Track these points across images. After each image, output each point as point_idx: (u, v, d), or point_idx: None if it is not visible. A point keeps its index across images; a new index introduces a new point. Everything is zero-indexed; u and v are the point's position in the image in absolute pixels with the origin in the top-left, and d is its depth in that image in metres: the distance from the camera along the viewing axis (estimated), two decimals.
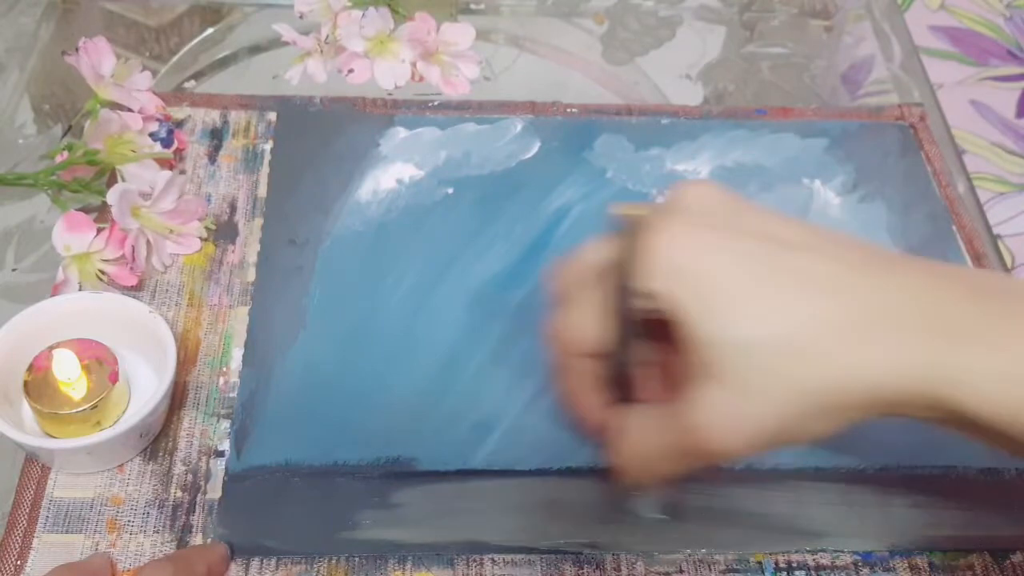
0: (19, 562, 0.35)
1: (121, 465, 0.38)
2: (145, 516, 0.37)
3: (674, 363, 0.30)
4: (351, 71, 0.51)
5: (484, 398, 0.40)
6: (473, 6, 0.60)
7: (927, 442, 0.40)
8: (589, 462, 0.39)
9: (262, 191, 0.47)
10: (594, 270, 0.31)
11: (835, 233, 0.29)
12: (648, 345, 0.31)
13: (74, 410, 0.36)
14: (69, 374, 0.37)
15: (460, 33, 0.52)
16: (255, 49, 0.57)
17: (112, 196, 0.41)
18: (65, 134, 0.50)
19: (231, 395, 0.40)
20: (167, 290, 0.43)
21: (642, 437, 0.30)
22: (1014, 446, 0.27)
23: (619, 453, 0.30)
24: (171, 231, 0.43)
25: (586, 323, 0.30)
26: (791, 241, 0.28)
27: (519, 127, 0.50)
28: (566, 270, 0.32)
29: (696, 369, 0.28)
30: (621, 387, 0.31)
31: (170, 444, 0.38)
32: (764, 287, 0.27)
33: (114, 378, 0.37)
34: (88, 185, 0.44)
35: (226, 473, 0.38)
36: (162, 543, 0.36)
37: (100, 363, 0.37)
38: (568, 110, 0.52)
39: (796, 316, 0.26)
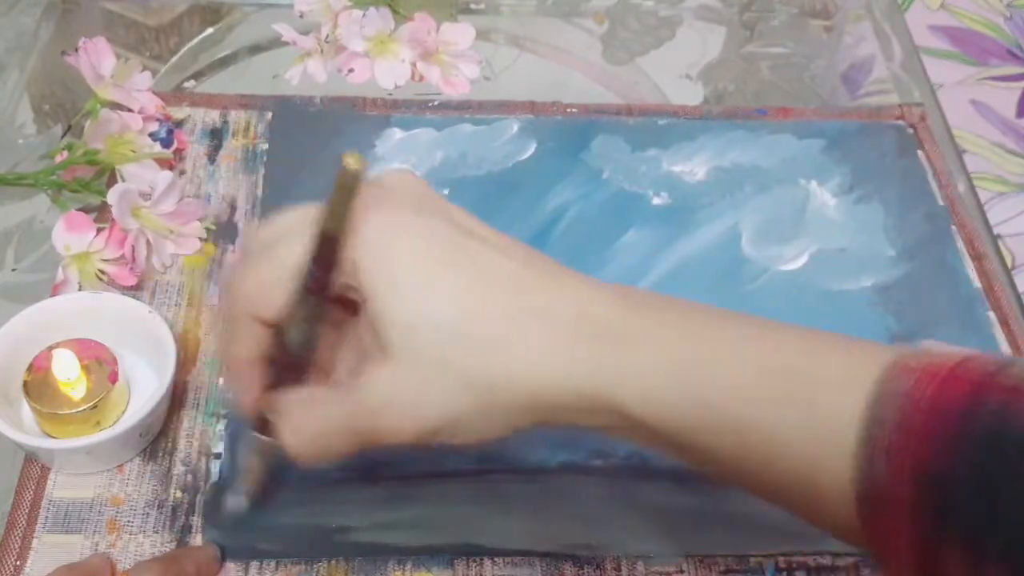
0: (19, 562, 0.35)
1: (121, 465, 0.38)
2: (145, 516, 0.37)
3: (349, 348, 0.29)
4: (351, 71, 0.51)
5: None
6: (473, 6, 0.60)
7: None
8: (584, 460, 0.39)
9: (263, 190, 0.47)
10: (295, 229, 0.28)
11: (515, 241, 0.29)
12: (330, 328, 0.29)
13: (74, 410, 0.36)
14: (69, 374, 0.37)
15: (460, 33, 0.52)
16: (255, 49, 0.57)
17: (112, 196, 0.41)
18: (65, 134, 0.50)
19: (231, 395, 0.40)
20: (167, 290, 0.43)
21: (312, 414, 0.29)
22: (679, 451, 0.27)
23: (285, 429, 0.29)
24: (171, 232, 0.44)
25: (270, 286, 0.28)
26: (481, 236, 0.28)
27: (516, 128, 0.50)
28: (270, 223, 0.30)
29: (375, 348, 0.27)
30: (291, 365, 0.29)
31: (170, 444, 0.39)
32: (448, 275, 0.27)
33: (114, 378, 0.37)
34: (88, 185, 0.44)
35: (219, 475, 0.38)
36: (162, 543, 0.36)
37: (100, 363, 0.37)
38: (568, 110, 0.52)
39: (473, 307, 0.27)
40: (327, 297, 0.28)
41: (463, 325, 0.26)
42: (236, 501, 0.36)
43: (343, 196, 0.26)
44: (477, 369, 0.26)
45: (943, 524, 0.23)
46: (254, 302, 0.29)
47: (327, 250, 0.27)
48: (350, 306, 0.29)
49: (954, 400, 0.23)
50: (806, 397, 0.25)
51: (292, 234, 0.28)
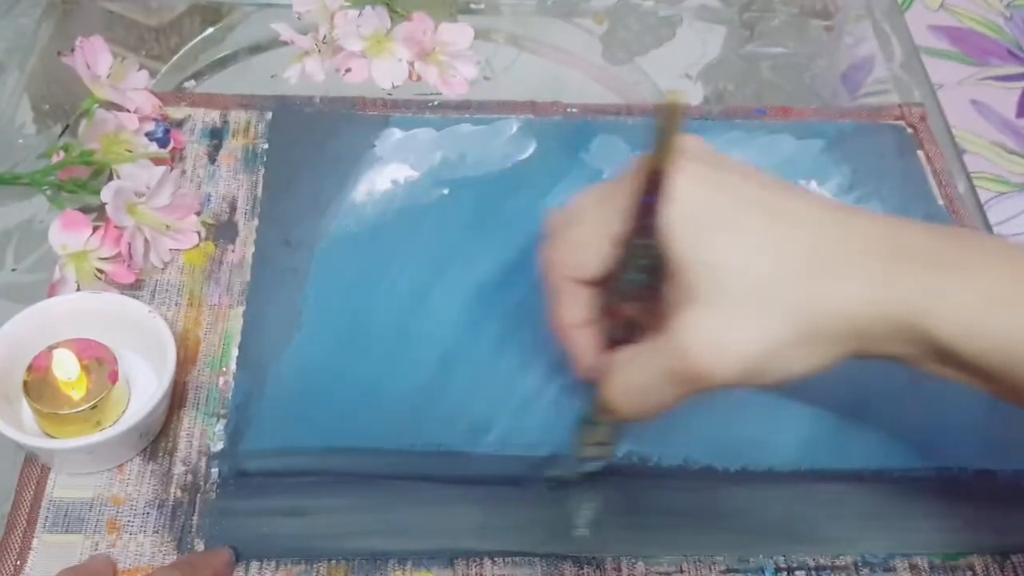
0: (19, 562, 0.35)
1: (121, 465, 0.38)
2: (145, 516, 0.37)
3: (663, 303, 0.30)
4: (348, 70, 0.51)
5: (480, 399, 0.40)
6: (473, 6, 0.60)
7: (922, 444, 0.40)
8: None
9: (262, 191, 0.47)
10: (605, 194, 0.31)
11: (806, 191, 0.31)
12: (646, 281, 0.30)
13: (74, 410, 0.36)
14: (69, 374, 0.37)
15: (458, 33, 0.52)
16: (255, 49, 0.57)
17: (107, 193, 0.41)
18: (62, 134, 0.50)
19: (231, 395, 0.40)
20: (167, 290, 0.43)
21: (633, 369, 0.30)
22: (991, 383, 0.28)
23: (611, 388, 0.30)
24: (168, 227, 0.44)
25: (588, 245, 0.30)
26: (769, 184, 0.30)
27: (515, 128, 0.50)
28: (576, 198, 0.32)
29: (684, 295, 0.28)
30: (617, 318, 0.31)
31: (170, 444, 0.39)
32: (748, 217, 0.28)
33: (114, 378, 0.37)
34: (84, 185, 0.44)
35: (218, 476, 0.38)
36: (162, 543, 0.36)
37: (100, 363, 0.37)
38: (568, 110, 0.52)
39: (777, 244, 0.28)
40: (652, 244, 0.29)
41: (769, 264, 0.27)
42: (593, 465, 0.36)
43: (668, 131, 0.28)
44: (789, 304, 0.27)
45: None
46: (573, 264, 0.31)
47: (654, 187, 0.28)
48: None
49: None
50: None
51: (599, 203, 0.30)
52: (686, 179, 0.28)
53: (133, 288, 0.43)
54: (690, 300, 0.28)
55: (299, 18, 0.51)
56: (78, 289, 0.41)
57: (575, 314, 0.32)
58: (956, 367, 0.28)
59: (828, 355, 0.28)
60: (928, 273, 0.27)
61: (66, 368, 0.37)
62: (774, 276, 0.27)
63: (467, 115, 0.51)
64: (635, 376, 0.30)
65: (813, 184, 0.49)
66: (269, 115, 0.50)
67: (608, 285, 0.31)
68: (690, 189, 0.28)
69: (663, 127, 0.28)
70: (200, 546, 0.36)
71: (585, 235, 0.31)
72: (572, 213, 0.32)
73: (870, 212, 0.30)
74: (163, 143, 0.46)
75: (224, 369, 0.41)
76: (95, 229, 0.41)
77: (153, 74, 0.48)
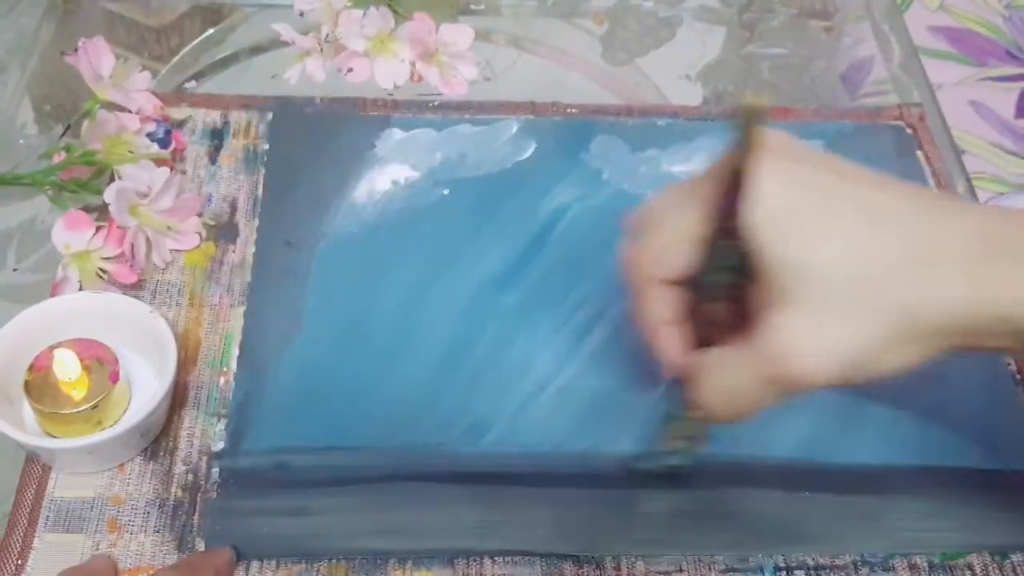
0: (20, 562, 0.36)
1: (122, 465, 0.38)
2: (146, 516, 0.37)
3: (750, 303, 0.30)
4: (350, 70, 0.51)
5: (479, 401, 0.40)
6: (473, 6, 0.60)
7: (922, 444, 0.40)
8: (583, 459, 0.39)
9: (263, 191, 0.47)
10: (687, 195, 0.31)
11: (896, 179, 0.30)
12: (731, 281, 0.30)
13: (75, 410, 0.36)
14: (70, 374, 0.37)
15: (459, 34, 0.52)
16: (256, 49, 0.57)
17: (109, 194, 0.41)
18: (63, 134, 0.50)
19: (232, 395, 0.40)
20: (168, 290, 0.43)
21: (725, 372, 0.30)
22: None
23: (703, 390, 0.31)
24: (169, 228, 0.44)
25: (671, 245, 0.30)
26: (858, 179, 0.29)
27: (515, 128, 0.50)
28: (654, 202, 0.32)
29: (774, 296, 0.28)
30: (704, 318, 0.31)
31: (171, 444, 0.39)
32: (838, 216, 0.28)
33: (115, 378, 0.37)
34: (86, 185, 0.44)
35: (219, 475, 0.38)
36: (163, 543, 0.36)
37: (101, 363, 0.38)
38: (568, 110, 0.52)
39: (870, 242, 0.28)
40: (735, 245, 0.29)
41: (861, 264, 0.27)
42: (678, 458, 0.37)
43: (749, 131, 0.27)
44: (885, 303, 0.27)
45: None
46: (656, 265, 0.31)
47: (735, 188, 0.28)
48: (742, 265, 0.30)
49: None
50: None
51: (680, 203, 0.30)
52: (772, 178, 0.28)
53: (134, 288, 0.43)
54: (782, 301, 0.28)
55: (301, 15, 0.51)
56: (80, 289, 0.41)
57: (660, 313, 0.31)
58: None
59: (927, 351, 0.28)
60: (1020, 267, 0.27)
61: (67, 368, 0.37)
62: (869, 274, 0.27)
63: (467, 116, 0.51)
64: (727, 379, 0.30)
65: None
66: (270, 116, 0.50)
67: (693, 285, 0.31)
68: (777, 188, 0.28)
69: (745, 127, 0.27)
70: (201, 546, 0.36)
71: (668, 236, 0.30)
72: (653, 213, 0.31)
73: (961, 205, 0.30)
74: (164, 144, 0.46)
75: (225, 369, 0.41)
76: (98, 229, 0.41)
77: (154, 75, 0.48)
